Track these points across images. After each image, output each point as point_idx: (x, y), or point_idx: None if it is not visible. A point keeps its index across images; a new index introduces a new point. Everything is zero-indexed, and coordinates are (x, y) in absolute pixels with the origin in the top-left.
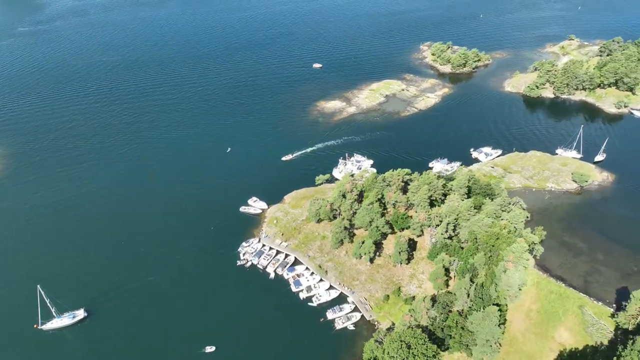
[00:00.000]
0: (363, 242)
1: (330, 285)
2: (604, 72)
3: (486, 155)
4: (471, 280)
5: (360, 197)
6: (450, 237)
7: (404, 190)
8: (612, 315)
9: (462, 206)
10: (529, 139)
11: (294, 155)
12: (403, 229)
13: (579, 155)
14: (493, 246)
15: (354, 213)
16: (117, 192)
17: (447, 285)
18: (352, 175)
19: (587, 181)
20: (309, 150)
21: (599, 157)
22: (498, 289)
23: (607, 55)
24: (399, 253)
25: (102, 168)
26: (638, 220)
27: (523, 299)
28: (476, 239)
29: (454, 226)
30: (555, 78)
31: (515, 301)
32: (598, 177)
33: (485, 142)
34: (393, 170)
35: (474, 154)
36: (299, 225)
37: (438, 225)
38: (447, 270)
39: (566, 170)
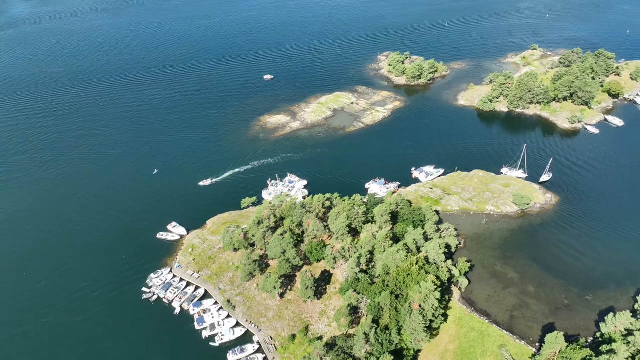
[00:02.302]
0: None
1: (237, 322)
2: (558, 85)
3: (427, 175)
4: (376, 322)
5: (279, 225)
6: (365, 271)
7: (326, 218)
8: (533, 356)
9: (379, 236)
10: (475, 157)
11: (214, 180)
12: (319, 260)
13: (524, 175)
14: (403, 283)
15: (268, 243)
16: (30, 219)
17: (354, 326)
18: (271, 202)
19: (528, 204)
20: (242, 169)
21: (545, 177)
22: (403, 333)
23: (566, 66)
24: (306, 288)
25: (17, 189)
26: (576, 248)
27: (441, 338)
28: (388, 274)
29: (369, 259)
30: (509, 91)
31: (432, 340)
32: (541, 199)
33: (428, 161)
34: (312, 197)
35: (415, 174)
36: (214, 254)
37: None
38: (356, 308)
39: (508, 192)
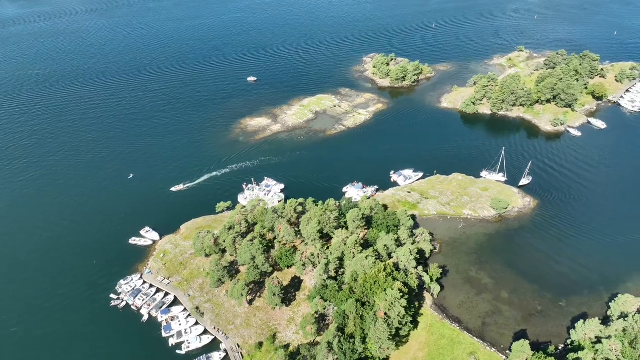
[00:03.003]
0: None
1: (205, 330)
2: (541, 87)
3: (405, 179)
4: (341, 331)
5: (251, 230)
6: (334, 278)
7: (298, 223)
8: None
9: (349, 242)
10: (455, 160)
11: (187, 185)
12: (290, 267)
13: (504, 179)
14: (370, 290)
15: (238, 249)
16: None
17: (322, 334)
18: (243, 207)
19: (505, 208)
20: (220, 173)
21: (525, 181)
22: (368, 341)
23: (551, 68)
24: (273, 295)
25: None
26: (551, 252)
27: (410, 346)
28: (356, 281)
29: (340, 265)
30: (492, 94)
31: (401, 348)
32: (519, 203)
33: (408, 164)
34: (285, 203)
35: (394, 177)
36: (186, 259)
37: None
38: (323, 316)
39: (486, 196)
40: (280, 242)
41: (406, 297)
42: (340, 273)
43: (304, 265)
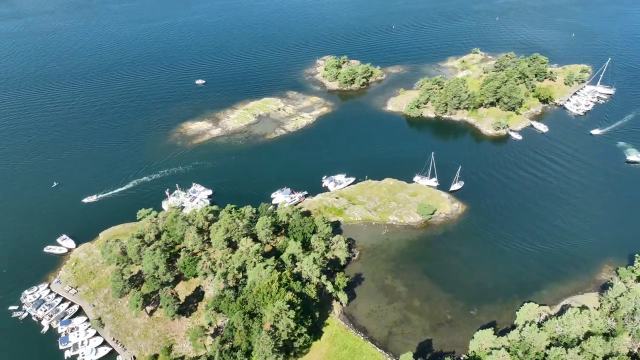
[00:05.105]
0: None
1: (105, 341)
2: (483, 91)
3: (336, 184)
4: (227, 342)
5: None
6: (235, 288)
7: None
8: None
9: (251, 251)
10: (391, 165)
11: (99, 196)
12: (196, 276)
13: (436, 184)
14: (262, 301)
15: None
16: None
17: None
18: (156, 215)
19: (431, 214)
20: (149, 178)
21: (456, 186)
22: (253, 354)
23: (501, 70)
24: (167, 306)
25: None
26: (472, 259)
27: (310, 357)
28: (251, 291)
29: (242, 275)
30: (436, 97)
31: (300, 359)
32: (447, 209)
33: (343, 169)
34: (195, 210)
35: (325, 182)
36: (96, 268)
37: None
38: (218, 328)
39: (414, 202)
40: (189, 250)
41: (297, 308)
42: (241, 283)
43: (205, 274)
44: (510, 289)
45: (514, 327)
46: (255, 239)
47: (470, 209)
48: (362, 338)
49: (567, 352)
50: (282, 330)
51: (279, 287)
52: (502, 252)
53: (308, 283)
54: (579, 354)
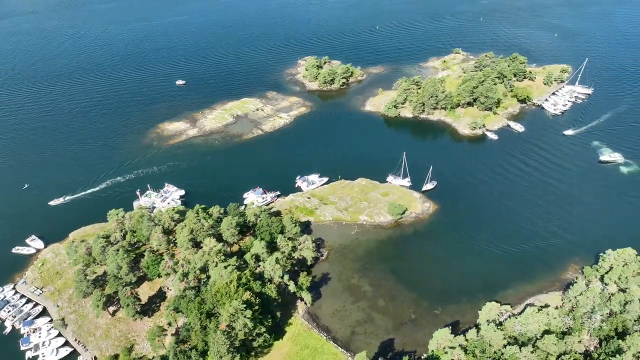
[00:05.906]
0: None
1: (67, 342)
2: (460, 91)
3: (309, 184)
4: (185, 343)
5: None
6: (197, 288)
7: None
8: None
9: (213, 251)
10: (364, 165)
11: (66, 199)
12: (160, 276)
13: (409, 183)
14: (221, 301)
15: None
16: None
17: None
18: (123, 216)
19: (402, 213)
20: (123, 179)
21: (429, 186)
22: (209, 354)
23: (480, 70)
24: (127, 306)
25: None
26: (439, 259)
27: (271, 357)
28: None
29: (204, 276)
30: (414, 97)
31: (261, 359)
32: (418, 208)
33: (317, 169)
34: (161, 210)
35: (298, 182)
36: (63, 269)
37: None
38: (177, 328)
39: (385, 201)
40: (155, 251)
41: (255, 307)
42: (203, 283)
43: (167, 274)
44: (476, 288)
45: (477, 326)
46: (220, 239)
47: (441, 208)
48: (325, 337)
49: (520, 351)
50: (240, 330)
51: (238, 286)
52: (471, 252)
53: (269, 283)
54: (532, 352)
